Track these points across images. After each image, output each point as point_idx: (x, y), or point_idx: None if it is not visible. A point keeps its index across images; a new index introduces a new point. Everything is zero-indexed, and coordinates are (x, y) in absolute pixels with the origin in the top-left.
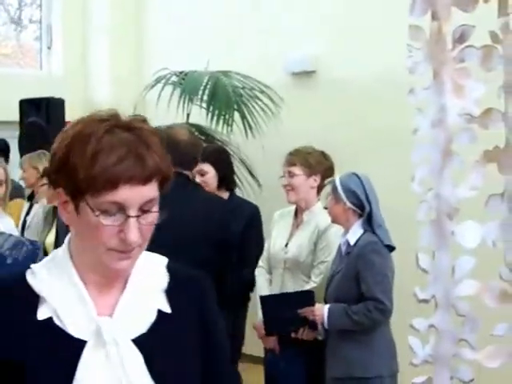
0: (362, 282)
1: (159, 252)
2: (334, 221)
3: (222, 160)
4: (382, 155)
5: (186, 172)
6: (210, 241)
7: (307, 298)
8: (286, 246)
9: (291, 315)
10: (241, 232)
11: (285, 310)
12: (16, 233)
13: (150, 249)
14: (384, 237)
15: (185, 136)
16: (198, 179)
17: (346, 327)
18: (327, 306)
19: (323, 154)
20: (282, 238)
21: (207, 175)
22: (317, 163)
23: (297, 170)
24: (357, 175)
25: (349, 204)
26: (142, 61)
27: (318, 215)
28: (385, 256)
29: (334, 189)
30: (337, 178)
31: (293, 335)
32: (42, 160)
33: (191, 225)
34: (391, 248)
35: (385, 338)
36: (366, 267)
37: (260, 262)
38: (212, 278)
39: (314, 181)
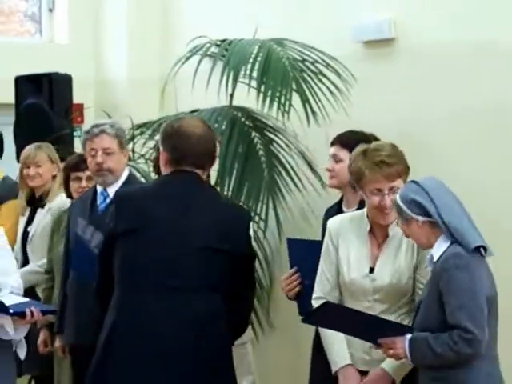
0: (445, 305)
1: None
2: (420, 245)
3: None
4: (494, 148)
5: (198, 171)
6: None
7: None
8: (371, 271)
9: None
10: None
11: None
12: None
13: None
14: (468, 239)
15: (198, 129)
16: (328, 164)
17: (431, 363)
18: (408, 336)
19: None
20: (359, 259)
21: (341, 163)
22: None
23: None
24: (416, 182)
25: (416, 216)
26: (172, 26)
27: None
28: (472, 270)
29: (398, 208)
30: (396, 195)
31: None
32: (54, 152)
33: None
34: (484, 249)
35: (484, 377)
36: (447, 287)
37: (319, 293)
38: None
39: None
